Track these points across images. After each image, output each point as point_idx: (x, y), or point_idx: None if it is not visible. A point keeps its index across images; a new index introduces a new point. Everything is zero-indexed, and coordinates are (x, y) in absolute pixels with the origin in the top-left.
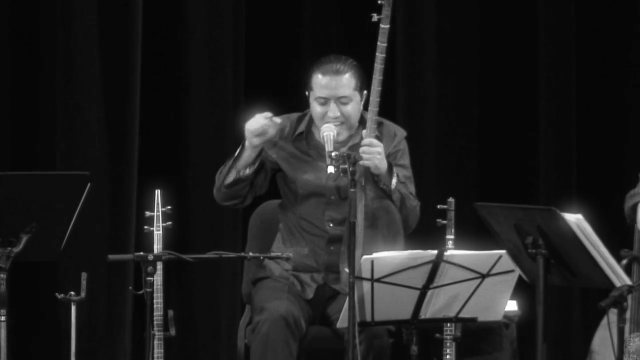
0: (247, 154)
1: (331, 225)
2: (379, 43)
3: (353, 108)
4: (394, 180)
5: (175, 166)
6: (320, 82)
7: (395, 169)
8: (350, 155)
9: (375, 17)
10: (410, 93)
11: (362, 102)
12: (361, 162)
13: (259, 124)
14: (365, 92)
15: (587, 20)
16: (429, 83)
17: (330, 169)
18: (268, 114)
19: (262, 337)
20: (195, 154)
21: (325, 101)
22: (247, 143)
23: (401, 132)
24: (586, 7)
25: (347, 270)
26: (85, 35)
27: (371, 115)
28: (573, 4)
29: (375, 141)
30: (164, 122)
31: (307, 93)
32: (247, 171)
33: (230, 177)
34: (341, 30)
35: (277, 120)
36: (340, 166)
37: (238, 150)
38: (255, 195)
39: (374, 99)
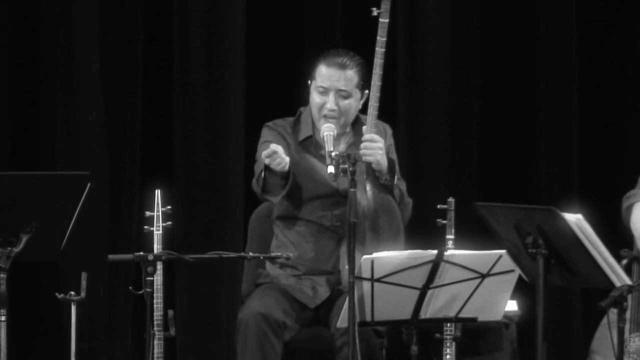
0: (277, 181)
1: (338, 224)
2: (378, 37)
3: (351, 104)
4: (397, 176)
5: (175, 166)
6: (324, 72)
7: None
8: (350, 155)
9: (375, 12)
10: (411, 93)
11: (362, 102)
12: (363, 158)
13: (280, 157)
14: (367, 91)
15: (588, 20)
16: (430, 83)
17: (330, 169)
18: (274, 148)
19: (242, 333)
20: (196, 154)
21: (325, 91)
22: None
23: (389, 128)
24: (587, 7)
25: (347, 267)
26: (85, 35)
27: (372, 111)
28: (574, 4)
29: (376, 137)
30: (164, 122)
31: (309, 82)
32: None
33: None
34: (344, 26)
35: (280, 147)
36: (340, 166)
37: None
38: None
39: (375, 93)
